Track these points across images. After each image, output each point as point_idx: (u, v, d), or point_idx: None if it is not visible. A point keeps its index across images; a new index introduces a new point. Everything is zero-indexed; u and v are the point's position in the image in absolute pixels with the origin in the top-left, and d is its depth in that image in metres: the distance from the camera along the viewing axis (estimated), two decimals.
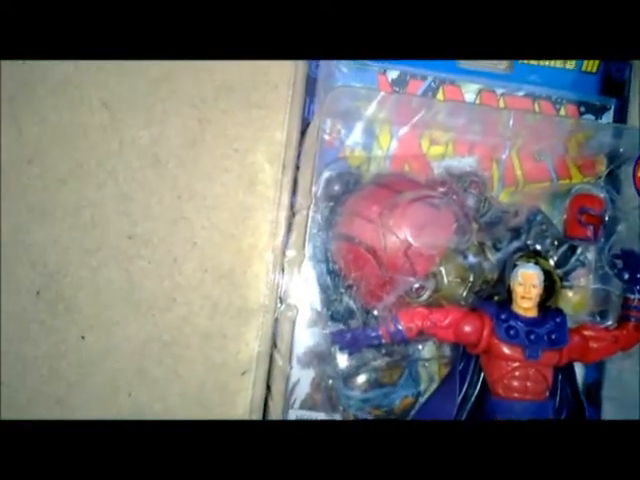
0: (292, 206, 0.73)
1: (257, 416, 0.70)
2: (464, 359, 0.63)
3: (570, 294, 0.70)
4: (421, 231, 0.62)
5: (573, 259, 0.68)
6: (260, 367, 0.72)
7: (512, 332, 0.59)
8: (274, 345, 0.72)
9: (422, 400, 0.71)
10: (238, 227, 0.72)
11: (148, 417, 0.68)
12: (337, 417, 0.70)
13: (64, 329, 0.69)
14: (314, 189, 0.70)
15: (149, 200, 0.70)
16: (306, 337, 0.70)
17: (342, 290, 0.68)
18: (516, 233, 0.68)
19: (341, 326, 0.67)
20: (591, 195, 0.63)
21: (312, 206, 0.69)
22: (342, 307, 0.69)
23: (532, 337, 0.59)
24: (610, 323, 0.62)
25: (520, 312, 0.60)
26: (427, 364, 0.72)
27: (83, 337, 0.70)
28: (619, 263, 0.62)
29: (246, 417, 0.71)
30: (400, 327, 0.60)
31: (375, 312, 0.63)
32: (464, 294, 0.66)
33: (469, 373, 0.63)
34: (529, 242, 0.67)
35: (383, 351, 0.68)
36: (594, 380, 0.69)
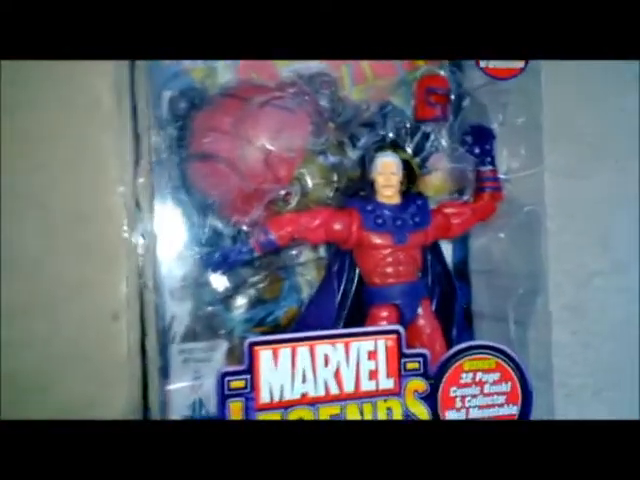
0: (135, 132, 0.69)
1: (136, 357, 0.67)
2: (338, 258, 0.63)
3: (429, 178, 0.72)
4: (278, 135, 0.61)
5: (428, 145, 0.69)
6: (132, 308, 0.69)
7: (379, 221, 0.60)
8: (143, 284, 0.69)
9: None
10: (84, 162, 0.66)
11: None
12: (223, 343, 0.69)
13: None
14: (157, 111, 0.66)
15: None
16: (176, 269, 0.67)
17: (205, 212, 0.66)
18: (371, 127, 0.67)
19: (209, 249, 0.65)
20: (436, 75, 0.64)
21: (156, 128, 0.65)
22: (208, 230, 0.66)
23: (398, 223, 0.60)
24: (467, 198, 0.65)
25: (384, 201, 0.61)
26: (305, 271, 0.72)
27: None
28: (469, 139, 0.64)
29: (124, 360, 0.68)
30: (271, 236, 0.59)
31: (245, 228, 0.61)
32: (331, 194, 0.66)
33: (345, 270, 0.63)
34: (384, 134, 0.67)
35: (259, 266, 0.67)
36: (461, 257, 0.73)
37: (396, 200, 0.61)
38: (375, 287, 0.61)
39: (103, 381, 0.66)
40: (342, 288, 0.63)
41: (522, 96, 0.64)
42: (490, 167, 0.64)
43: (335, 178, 0.66)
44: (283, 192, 0.63)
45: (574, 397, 0.65)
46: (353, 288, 0.63)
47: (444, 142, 0.71)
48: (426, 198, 0.62)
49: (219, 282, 0.66)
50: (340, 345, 0.57)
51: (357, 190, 0.65)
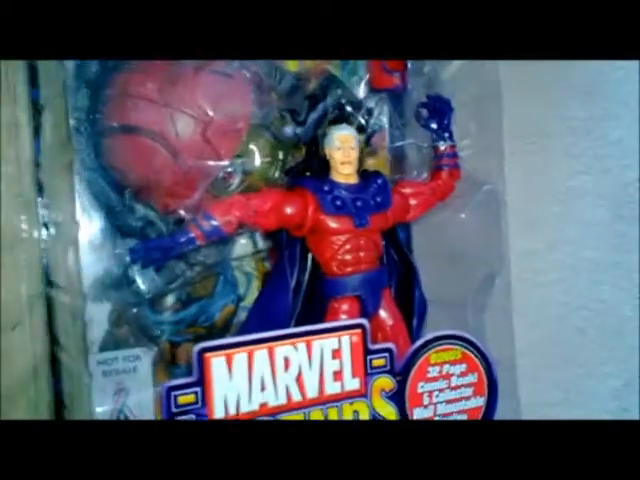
0: (36, 102, 0.57)
1: (45, 373, 0.56)
2: (288, 246, 0.56)
3: (370, 160, 0.66)
4: (216, 103, 0.52)
5: (371, 122, 0.63)
6: (35, 314, 0.57)
7: (338, 202, 0.53)
8: (48, 283, 0.58)
9: (244, 304, 0.64)
10: None
11: None
12: (151, 349, 0.59)
13: None
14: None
15: None
16: (92, 265, 0.56)
17: (128, 197, 0.55)
18: (313, 100, 0.60)
19: (136, 241, 0.55)
20: None
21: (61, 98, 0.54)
22: (133, 218, 0.56)
23: (359, 204, 0.54)
24: (425, 177, 0.60)
25: (341, 180, 0.54)
26: (243, 263, 0.64)
27: None
28: (424, 112, 0.59)
29: (30, 378, 0.56)
30: (216, 223, 0.50)
31: (181, 214, 0.52)
32: (276, 174, 0.58)
33: (297, 259, 0.56)
34: (327, 108, 0.60)
35: (191, 261, 0.58)
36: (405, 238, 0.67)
37: (354, 179, 0.55)
38: (334, 277, 0.55)
39: (5, 404, 0.54)
40: (295, 277, 0.55)
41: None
42: (448, 143, 0.59)
43: (280, 156, 0.58)
44: (224, 172, 0.55)
45: (538, 382, 0.63)
46: (306, 277, 0.56)
47: (385, 120, 0.65)
48: (384, 177, 0.56)
49: (145, 279, 0.56)
50: (301, 345, 0.50)
51: (303, 170, 0.57)
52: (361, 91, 0.60)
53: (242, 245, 0.63)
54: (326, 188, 0.53)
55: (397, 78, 0.58)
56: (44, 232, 0.57)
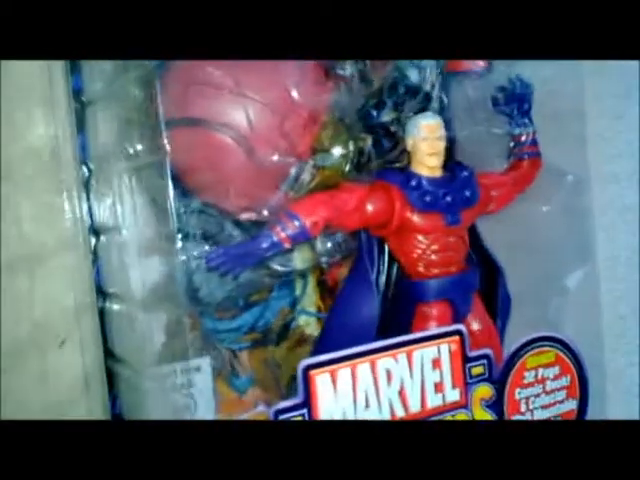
0: (78, 94, 0.51)
1: (98, 388, 0.51)
2: (363, 246, 0.51)
3: None
4: (296, 92, 0.46)
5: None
6: (85, 325, 0.52)
7: (428, 198, 0.48)
8: (99, 292, 0.52)
9: (300, 307, 0.60)
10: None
11: None
12: (213, 359, 0.54)
13: None
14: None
15: None
16: (148, 272, 0.51)
17: (193, 200, 0.50)
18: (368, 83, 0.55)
19: (207, 247, 0.49)
20: None
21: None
22: (198, 221, 0.50)
23: (448, 199, 0.49)
24: (504, 167, 0.56)
25: (426, 173, 0.50)
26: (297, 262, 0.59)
27: None
28: (501, 97, 0.55)
29: (81, 394, 0.51)
30: (302, 224, 0.45)
31: (254, 216, 0.47)
32: (347, 168, 0.53)
33: (374, 261, 0.51)
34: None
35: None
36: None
37: (439, 172, 0.50)
38: (421, 280, 0.50)
39: None
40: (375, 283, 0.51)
41: None
42: (529, 129, 0.55)
43: (351, 147, 0.53)
44: (298, 168, 0.49)
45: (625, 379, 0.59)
46: (383, 282, 0.52)
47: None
48: (470, 167, 0.51)
49: (209, 286, 0.51)
50: (402, 356, 0.46)
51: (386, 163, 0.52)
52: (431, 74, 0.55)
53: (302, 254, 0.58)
54: (413, 183, 0.49)
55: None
56: (91, 238, 0.51)
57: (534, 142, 0.55)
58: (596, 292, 0.57)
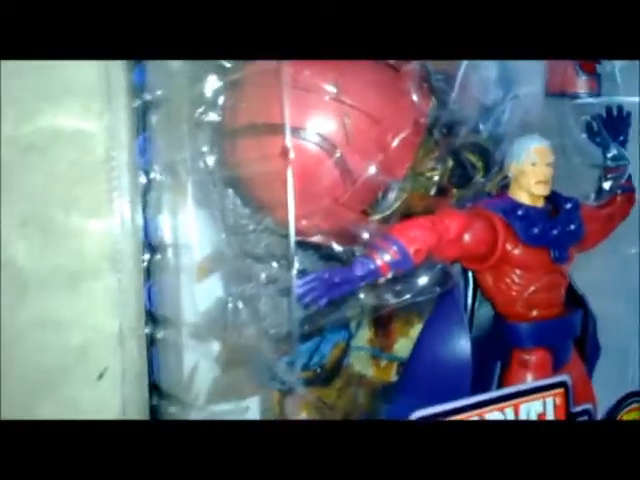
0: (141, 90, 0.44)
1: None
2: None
3: None
4: (389, 102, 0.41)
5: None
6: (129, 355, 0.44)
7: (536, 231, 0.43)
8: (148, 318, 0.45)
9: (355, 344, 0.54)
10: None
11: None
12: (255, 399, 0.48)
13: None
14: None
15: None
16: (204, 298, 0.44)
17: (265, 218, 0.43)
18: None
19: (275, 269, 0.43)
20: None
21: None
22: (268, 242, 0.44)
23: (555, 233, 0.44)
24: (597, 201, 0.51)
25: (532, 203, 0.44)
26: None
27: None
28: (595, 125, 0.50)
29: None
30: (405, 251, 0.39)
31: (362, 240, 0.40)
32: (433, 191, 0.47)
33: (462, 298, 0.46)
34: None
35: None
36: None
37: (542, 202, 0.45)
38: (520, 323, 0.44)
39: None
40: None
41: None
42: (624, 162, 0.50)
43: (439, 166, 0.47)
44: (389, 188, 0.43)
45: None
46: (473, 321, 0.46)
47: None
48: (575, 198, 0.46)
49: (276, 316, 0.45)
50: (509, 410, 0.40)
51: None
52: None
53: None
54: (520, 212, 0.43)
55: (594, 80, 0.48)
56: (146, 255, 0.44)
57: (629, 176, 0.51)
58: None
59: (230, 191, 0.44)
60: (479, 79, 0.48)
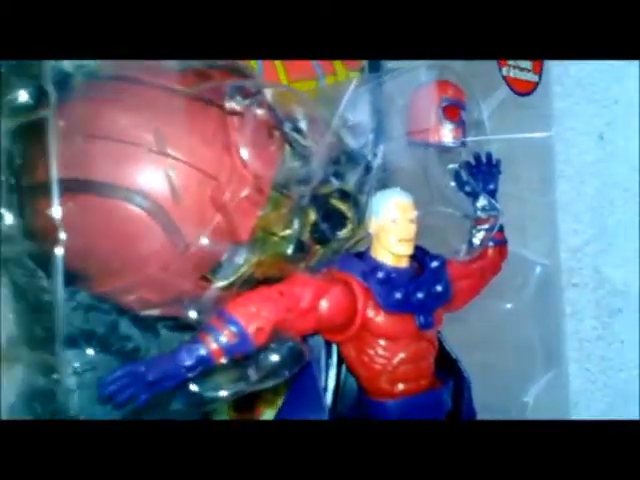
0: None
1: None
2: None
3: None
4: (236, 152, 0.35)
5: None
6: None
7: (398, 295, 0.38)
8: None
9: None
10: None
11: None
12: None
13: None
14: None
15: None
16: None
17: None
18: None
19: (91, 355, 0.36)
20: (446, 82, 0.44)
21: None
22: (84, 321, 0.37)
23: (420, 296, 0.39)
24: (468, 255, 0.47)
25: (391, 263, 0.40)
26: None
27: None
28: (463, 174, 0.47)
29: None
30: (242, 331, 0.33)
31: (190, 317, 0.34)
32: (289, 251, 0.42)
33: (321, 370, 0.40)
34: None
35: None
36: None
37: (405, 262, 0.41)
38: (385, 401, 0.39)
39: None
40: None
41: None
42: (495, 213, 0.47)
43: (296, 225, 0.42)
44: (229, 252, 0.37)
45: None
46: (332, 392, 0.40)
47: None
48: (441, 256, 0.42)
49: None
50: None
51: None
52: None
53: None
54: (380, 275, 0.38)
55: (460, 129, 0.44)
56: None
57: (500, 228, 0.48)
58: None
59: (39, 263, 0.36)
60: (344, 124, 0.44)
